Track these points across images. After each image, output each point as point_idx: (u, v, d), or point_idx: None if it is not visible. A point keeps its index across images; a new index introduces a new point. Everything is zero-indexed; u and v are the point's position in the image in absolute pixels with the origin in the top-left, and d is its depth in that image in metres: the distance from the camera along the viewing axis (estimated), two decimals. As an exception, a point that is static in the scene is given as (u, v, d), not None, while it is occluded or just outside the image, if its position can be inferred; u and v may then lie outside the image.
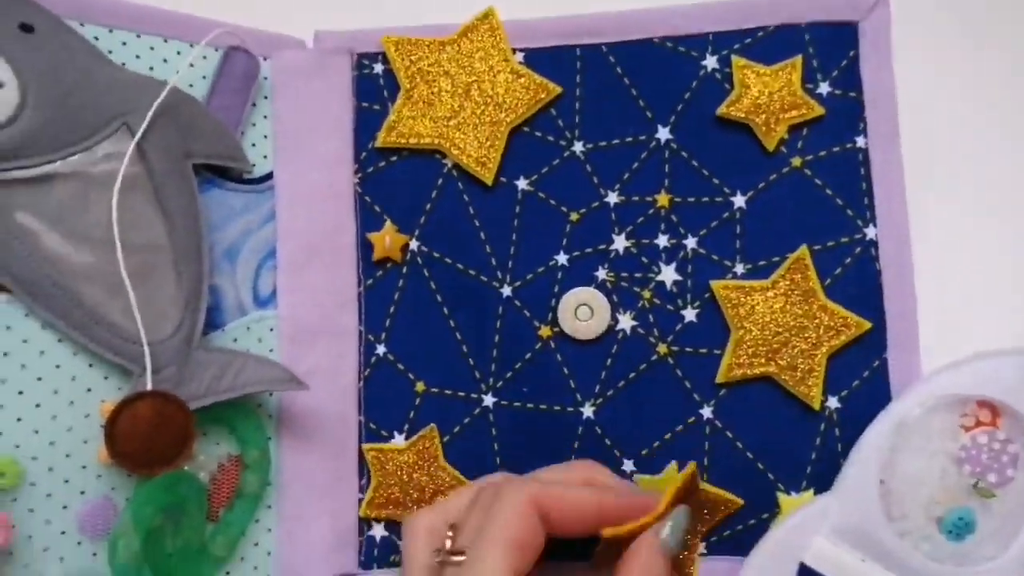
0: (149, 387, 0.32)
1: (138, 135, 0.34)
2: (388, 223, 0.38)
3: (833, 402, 0.36)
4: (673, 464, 0.36)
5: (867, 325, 0.35)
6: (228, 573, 0.35)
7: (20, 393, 0.31)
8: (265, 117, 0.38)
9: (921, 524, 0.34)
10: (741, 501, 0.36)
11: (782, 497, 0.36)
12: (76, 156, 0.33)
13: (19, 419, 0.31)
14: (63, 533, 0.32)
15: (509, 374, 0.37)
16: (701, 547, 0.36)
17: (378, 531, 0.37)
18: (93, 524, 0.32)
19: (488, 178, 0.37)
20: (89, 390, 0.33)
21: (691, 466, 0.32)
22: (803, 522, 0.34)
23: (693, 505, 0.32)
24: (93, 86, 0.33)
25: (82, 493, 0.32)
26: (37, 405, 0.32)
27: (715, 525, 0.36)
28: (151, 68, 0.36)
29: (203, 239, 0.35)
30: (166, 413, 0.32)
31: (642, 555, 0.30)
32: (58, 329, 0.32)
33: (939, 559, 0.34)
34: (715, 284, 0.36)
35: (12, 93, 0.31)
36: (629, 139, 0.38)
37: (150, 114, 0.34)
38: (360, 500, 0.37)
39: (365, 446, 0.37)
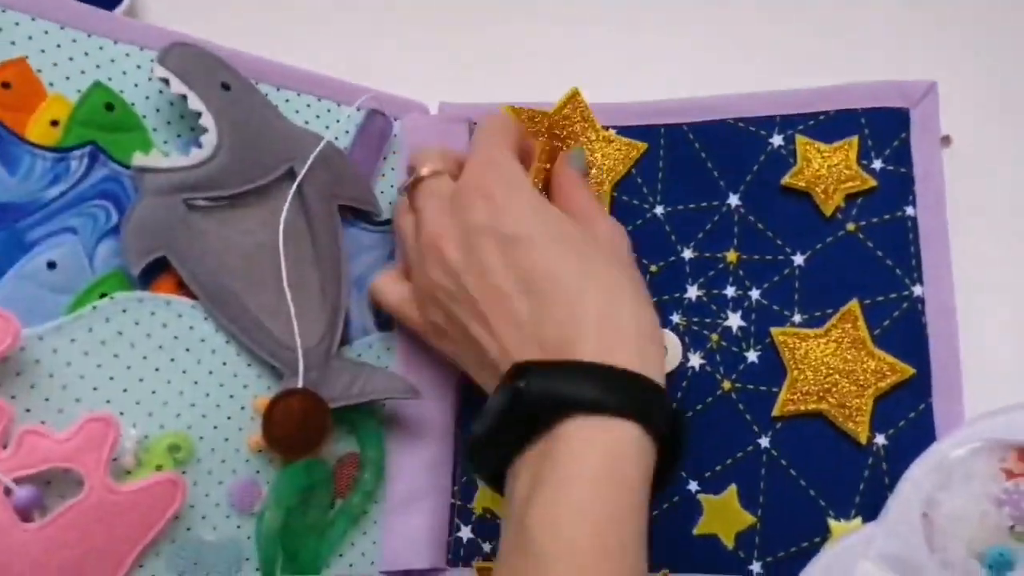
0: (300, 386, 0.39)
1: (299, 177, 0.41)
2: (494, 264, 0.44)
3: (880, 439, 0.40)
4: (733, 487, 0.41)
5: (910, 371, 0.40)
6: (341, 555, 0.41)
7: (195, 383, 0.38)
8: (393, 169, 0.46)
9: (962, 557, 0.37)
10: None
11: (832, 523, 0.40)
12: (252, 190, 0.41)
13: (192, 404, 0.38)
14: (217, 505, 0.38)
15: (591, 400, 0.43)
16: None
17: (465, 533, 0.42)
18: (241, 499, 0.39)
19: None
20: (245, 386, 0.39)
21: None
22: (851, 546, 0.38)
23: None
24: (270, 135, 0.41)
25: (234, 472, 0.39)
26: (207, 394, 0.39)
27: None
28: (306, 121, 0.44)
29: (343, 267, 0.42)
30: (311, 408, 0.39)
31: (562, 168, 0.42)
32: (229, 332, 0.39)
33: (982, 594, 0.37)
34: (775, 331, 0.42)
35: (212, 136, 0.39)
36: (704, 204, 0.44)
37: (310, 161, 0.41)
38: (453, 505, 0.43)
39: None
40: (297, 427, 0.38)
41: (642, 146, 0.45)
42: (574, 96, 0.45)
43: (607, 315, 0.33)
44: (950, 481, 0.38)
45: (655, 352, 0.34)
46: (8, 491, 0.33)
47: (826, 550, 0.39)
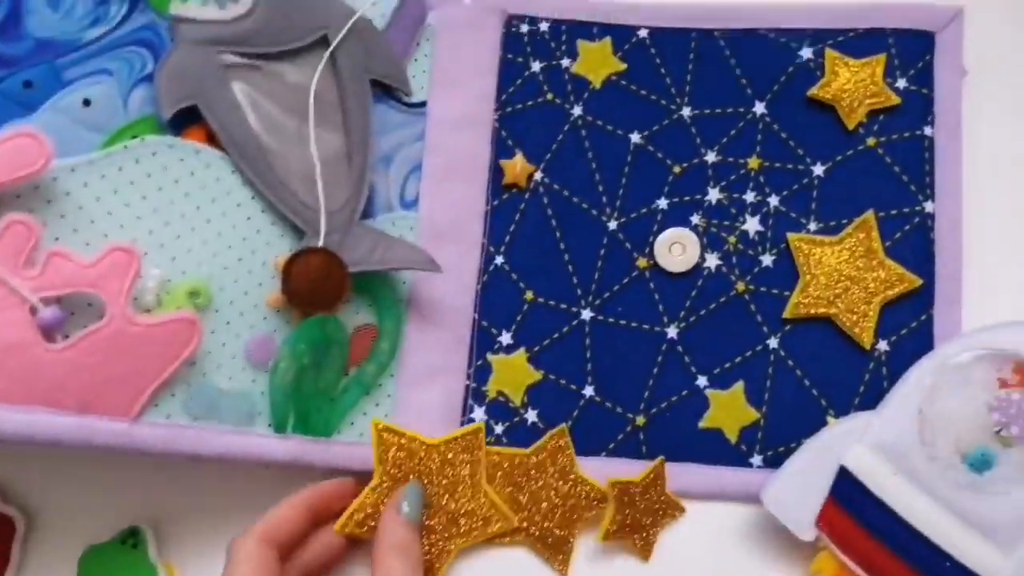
0: (321, 244, 0.39)
1: (334, 44, 0.41)
2: (519, 154, 0.45)
3: (883, 345, 0.41)
4: (740, 383, 0.42)
5: (918, 282, 0.41)
6: (352, 423, 0.41)
7: (219, 234, 0.38)
8: (426, 56, 0.45)
9: (948, 453, 0.39)
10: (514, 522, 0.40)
11: (831, 420, 0.41)
12: (285, 53, 0.41)
13: (214, 255, 0.38)
14: (233, 357, 0.38)
15: (607, 294, 0.43)
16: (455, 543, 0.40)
17: (478, 414, 0.43)
18: (257, 354, 0.38)
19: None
20: (268, 243, 0.39)
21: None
22: (847, 430, 0.39)
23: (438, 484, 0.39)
24: (307, 1, 0.41)
25: (251, 327, 0.39)
26: (229, 247, 0.38)
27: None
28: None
29: (370, 138, 0.42)
30: (330, 266, 0.39)
31: (383, 522, 0.37)
32: (255, 187, 0.39)
33: (959, 485, 0.39)
34: (791, 236, 0.43)
35: None
36: (730, 109, 0.44)
37: (345, 30, 0.41)
38: (467, 387, 0.43)
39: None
40: (315, 282, 0.38)
41: None
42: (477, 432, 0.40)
43: None
44: (948, 383, 0.39)
45: None
46: (34, 310, 0.33)
47: (823, 432, 0.40)
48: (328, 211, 0.40)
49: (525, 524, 0.41)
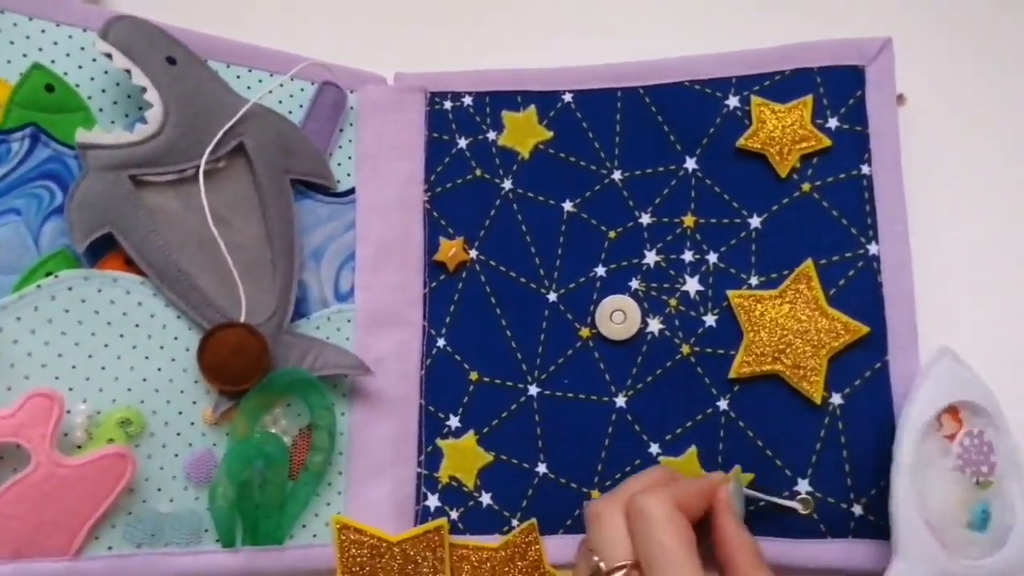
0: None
1: (205, 153, 0.41)
2: (453, 234, 0.44)
3: (836, 398, 0.40)
4: (693, 448, 0.41)
5: (864, 330, 0.40)
6: (304, 526, 0.41)
7: (146, 358, 0.38)
8: (350, 141, 0.45)
9: (960, 533, 0.37)
10: None
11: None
12: (198, 166, 0.40)
13: (144, 379, 0.38)
14: (173, 478, 0.38)
15: (552, 368, 0.43)
16: None
17: (433, 501, 0.42)
18: (196, 472, 0.38)
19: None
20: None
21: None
22: None
23: None
24: (217, 109, 0.41)
25: (189, 445, 0.39)
26: (159, 369, 0.38)
27: None
28: (259, 97, 0.43)
29: (295, 241, 0.42)
30: (247, 342, 0.38)
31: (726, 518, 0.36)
32: (178, 308, 0.39)
33: (986, 553, 0.37)
34: (731, 294, 0.42)
35: (158, 112, 0.39)
36: (661, 168, 0.43)
37: (229, 124, 0.40)
38: (419, 474, 0.43)
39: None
40: (231, 356, 0.38)
41: None
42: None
43: None
44: (924, 481, 0.38)
45: None
46: (-45, 467, 0.33)
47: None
48: (255, 324, 0.39)
49: None
